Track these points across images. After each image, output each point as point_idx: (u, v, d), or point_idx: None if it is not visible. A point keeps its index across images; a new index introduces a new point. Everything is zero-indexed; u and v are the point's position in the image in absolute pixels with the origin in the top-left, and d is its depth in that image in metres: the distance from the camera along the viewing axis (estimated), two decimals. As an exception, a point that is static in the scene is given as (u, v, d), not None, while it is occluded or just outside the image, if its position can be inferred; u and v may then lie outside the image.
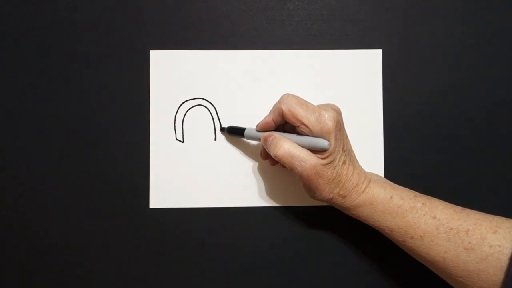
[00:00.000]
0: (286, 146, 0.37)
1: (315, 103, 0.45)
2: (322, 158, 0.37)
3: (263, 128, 0.40)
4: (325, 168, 0.37)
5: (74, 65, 0.45)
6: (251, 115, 0.45)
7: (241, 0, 0.46)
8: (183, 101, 0.45)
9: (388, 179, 0.45)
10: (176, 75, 0.45)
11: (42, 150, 0.45)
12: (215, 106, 0.45)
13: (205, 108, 0.45)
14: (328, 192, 0.38)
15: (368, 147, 0.46)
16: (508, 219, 0.36)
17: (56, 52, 0.45)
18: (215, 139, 0.45)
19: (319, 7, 0.46)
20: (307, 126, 0.37)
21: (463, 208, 0.38)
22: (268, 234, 0.45)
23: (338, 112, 0.39)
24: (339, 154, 0.38)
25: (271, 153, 0.39)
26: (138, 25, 0.45)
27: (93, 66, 0.45)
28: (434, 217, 0.37)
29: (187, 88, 0.45)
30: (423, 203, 0.38)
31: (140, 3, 0.46)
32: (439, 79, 0.46)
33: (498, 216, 0.37)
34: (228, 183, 0.45)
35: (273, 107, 0.40)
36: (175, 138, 0.45)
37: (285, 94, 0.39)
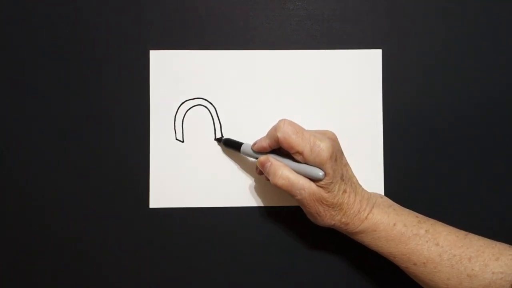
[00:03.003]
0: (284, 174, 0.38)
1: (315, 104, 0.45)
2: (320, 187, 0.38)
3: (259, 151, 0.41)
4: (325, 195, 0.38)
5: (74, 65, 0.45)
6: (251, 115, 0.45)
7: (241, 0, 0.46)
8: (183, 101, 0.45)
9: (387, 179, 0.45)
10: (176, 75, 0.45)
11: (41, 149, 0.45)
12: (215, 106, 0.45)
13: (205, 108, 0.45)
14: (330, 218, 0.39)
15: (367, 147, 0.46)
16: (511, 246, 0.37)
17: (56, 52, 0.45)
18: (215, 139, 0.45)
19: (319, 7, 0.46)
20: (301, 154, 0.37)
21: (466, 233, 0.38)
22: (268, 233, 0.45)
23: (334, 141, 0.39)
24: (338, 184, 0.38)
25: (270, 181, 0.39)
26: (138, 25, 0.45)
27: (93, 66, 0.45)
28: (437, 244, 0.37)
29: (187, 88, 0.45)
30: (426, 230, 0.38)
31: (140, 3, 0.46)
32: (439, 79, 0.46)
33: (500, 243, 0.37)
34: (228, 183, 0.45)
35: (269, 132, 0.40)
36: (175, 138, 0.45)
37: (281, 121, 0.39)
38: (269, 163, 0.39)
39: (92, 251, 0.45)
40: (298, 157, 0.38)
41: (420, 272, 0.38)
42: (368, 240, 0.39)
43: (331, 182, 0.37)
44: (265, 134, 0.41)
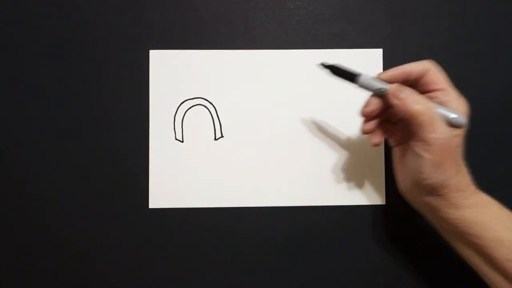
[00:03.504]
0: (428, 103, 0.34)
1: (315, 103, 0.45)
2: (454, 136, 0.34)
3: (393, 76, 0.36)
4: (456, 148, 0.35)
5: (74, 65, 0.45)
6: (251, 115, 0.45)
7: (241, 0, 0.46)
8: (183, 101, 0.45)
9: (389, 179, 0.45)
10: (176, 75, 0.45)
11: (41, 149, 0.45)
12: (214, 106, 0.45)
13: (205, 108, 0.45)
14: (450, 175, 0.34)
15: (368, 147, 0.45)
16: None
17: (56, 52, 0.45)
18: (215, 139, 0.45)
19: (319, 7, 0.46)
20: (448, 94, 0.35)
21: None
22: (268, 234, 0.45)
23: None
24: (461, 146, 0.35)
25: (407, 108, 0.34)
26: (138, 25, 0.45)
27: (93, 66, 0.45)
28: None
29: (186, 87, 0.45)
30: None
31: (140, 3, 0.46)
32: (440, 79, 0.46)
33: None
34: (228, 183, 0.45)
35: (414, 63, 0.36)
36: (174, 138, 0.45)
37: (427, 60, 0.36)
38: (409, 90, 0.35)
39: (92, 251, 0.45)
40: (443, 96, 0.35)
41: None
42: (472, 217, 0.34)
43: (461, 138, 0.35)
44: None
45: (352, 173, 0.45)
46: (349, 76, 0.37)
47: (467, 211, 0.34)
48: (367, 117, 0.38)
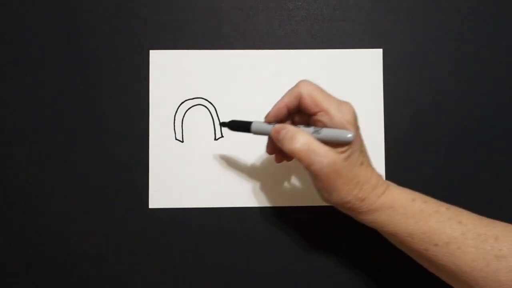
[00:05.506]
0: (303, 139, 0.33)
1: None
2: (341, 153, 0.34)
3: (274, 115, 0.36)
4: (344, 166, 0.34)
5: (74, 65, 0.45)
6: (251, 115, 0.45)
7: (241, 0, 0.46)
8: (183, 101, 0.45)
9: (389, 179, 0.45)
10: (176, 75, 0.45)
11: (41, 149, 0.45)
12: (214, 106, 0.45)
13: (205, 108, 0.45)
14: (346, 193, 0.34)
15: (368, 147, 0.45)
16: None
17: (56, 52, 0.45)
18: (215, 139, 0.45)
19: (319, 7, 0.46)
20: (327, 113, 0.34)
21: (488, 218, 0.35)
22: (267, 234, 0.45)
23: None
24: (357, 154, 0.34)
25: (286, 148, 0.34)
26: (138, 25, 0.45)
27: (93, 66, 0.45)
28: (460, 222, 0.33)
29: (186, 87, 0.45)
30: (447, 208, 0.35)
31: (141, 3, 0.46)
32: (440, 79, 0.46)
33: None
34: (228, 183, 0.45)
35: (288, 92, 0.36)
36: (174, 138, 0.45)
37: (302, 80, 0.35)
38: (286, 130, 0.35)
39: (92, 251, 0.45)
40: (323, 118, 0.34)
41: (442, 254, 0.33)
42: (384, 219, 0.35)
43: (353, 146, 0.34)
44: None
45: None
46: (244, 126, 0.38)
47: (376, 214, 0.35)
48: (271, 154, 0.40)
